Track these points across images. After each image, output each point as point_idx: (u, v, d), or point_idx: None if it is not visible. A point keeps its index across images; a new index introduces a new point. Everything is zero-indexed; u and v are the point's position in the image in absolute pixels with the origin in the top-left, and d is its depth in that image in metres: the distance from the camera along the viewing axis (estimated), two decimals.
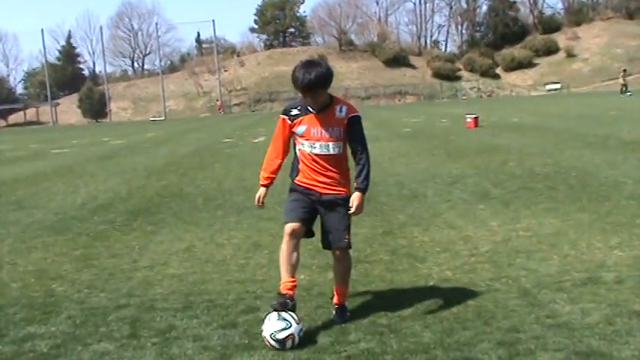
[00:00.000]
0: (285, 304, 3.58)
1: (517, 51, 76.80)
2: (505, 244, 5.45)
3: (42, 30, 75.50)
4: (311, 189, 3.81)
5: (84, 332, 3.88)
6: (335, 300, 3.91)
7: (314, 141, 3.75)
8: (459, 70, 77.82)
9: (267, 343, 3.47)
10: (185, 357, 3.43)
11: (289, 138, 3.89)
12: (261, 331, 3.53)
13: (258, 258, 5.47)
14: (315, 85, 3.62)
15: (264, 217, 7.25)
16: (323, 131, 3.73)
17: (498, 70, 77.03)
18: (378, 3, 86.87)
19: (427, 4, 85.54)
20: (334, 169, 3.79)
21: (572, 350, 3.26)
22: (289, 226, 3.74)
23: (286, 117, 3.84)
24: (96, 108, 74.72)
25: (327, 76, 3.65)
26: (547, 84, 71.25)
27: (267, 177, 3.94)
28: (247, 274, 4.98)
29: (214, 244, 6.06)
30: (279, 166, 3.96)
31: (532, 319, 3.70)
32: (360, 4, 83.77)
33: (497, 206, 7.13)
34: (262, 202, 3.98)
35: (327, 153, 3.75)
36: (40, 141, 30.28)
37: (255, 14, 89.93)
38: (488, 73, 76.27)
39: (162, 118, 64.98)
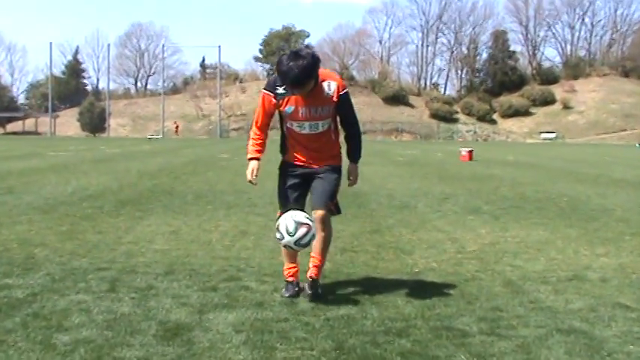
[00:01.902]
0: (294, 293, 3.65)
1: (514, 99, 77.77)
2: (492, 246, 5.44)
3: (50, 43, 76.32)
4: (305, 166, 3.76)
5: (62, 286, 3.83)
6: (308, 273, 3.68)
7: (302, 121, 3.66)
8: (457, 112, 78.58)
9: (282, 229, 3.49)
10: (163, 310, 3.38)
11: (272, 115, 3.76)
12: (277, 236, 3.56)
13: (245, 242, 5.43)
14: (302, 80, 3.49)
15: (254, 212, 7.23)
16: (312, 111, 3.63)
17: (495, 116, 77.82)
18: (381, 42, 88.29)
19: (429, 48, 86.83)
20: (325, 144, 3.78)
21: (553, 328, 3.23)
22: None
23: (270, 94, 3.68)
24: (95, 122, 74.71)
25: (313, 67, 3.48)
26: (542, 132, 72.01)
27: (256, 150, 3.82)
28: (232, 253, 4.93)
29: (201, 230, 6.01)
30: (264, 140, 3.84)
31: (515, 303, 3.68)
32: (363, 43, 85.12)
33: (487, 218, 7.14)
34: (256, 176, 3.79)
35: (316, 132, 3.70)
36: (37, 146, 30.18)
37: (260, 44, 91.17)
38: (485, 118, 77.02)
39: (160, 137, 65.05)
